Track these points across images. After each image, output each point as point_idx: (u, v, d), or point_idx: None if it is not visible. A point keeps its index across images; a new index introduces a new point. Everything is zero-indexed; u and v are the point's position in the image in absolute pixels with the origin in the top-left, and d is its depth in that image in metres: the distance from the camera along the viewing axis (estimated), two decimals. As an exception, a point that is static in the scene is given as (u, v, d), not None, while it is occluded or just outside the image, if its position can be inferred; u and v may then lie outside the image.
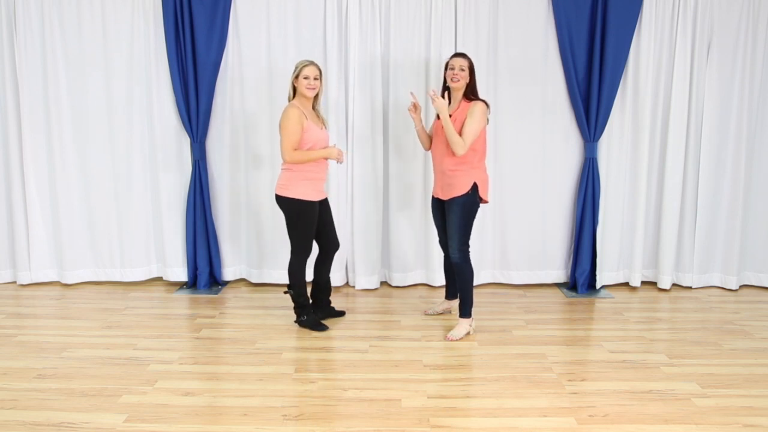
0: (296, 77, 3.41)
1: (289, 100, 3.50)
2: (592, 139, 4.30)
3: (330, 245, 3.71)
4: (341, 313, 3.91)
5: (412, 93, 3.70)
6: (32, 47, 4.26)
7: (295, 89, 3.46)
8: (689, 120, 4.32)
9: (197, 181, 4.34)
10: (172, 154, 4.39)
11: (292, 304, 3.74)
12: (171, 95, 4.31)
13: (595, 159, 4.32)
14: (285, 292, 3.70)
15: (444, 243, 3.76)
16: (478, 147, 3.44)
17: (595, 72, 4.18)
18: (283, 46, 4.24)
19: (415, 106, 3.61)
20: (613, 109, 4.29)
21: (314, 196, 3.50)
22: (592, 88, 4.21)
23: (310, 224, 3.51)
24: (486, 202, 3.54)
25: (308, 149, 3.43)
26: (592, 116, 4.25)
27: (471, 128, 3.34)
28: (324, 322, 3.73)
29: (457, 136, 3.33)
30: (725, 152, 4.36)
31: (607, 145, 4.37)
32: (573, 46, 4.20)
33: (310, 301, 3.74)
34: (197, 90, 4.23)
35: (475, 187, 3.42)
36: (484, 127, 3.43)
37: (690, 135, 4.34)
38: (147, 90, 4.32)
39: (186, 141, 4.40)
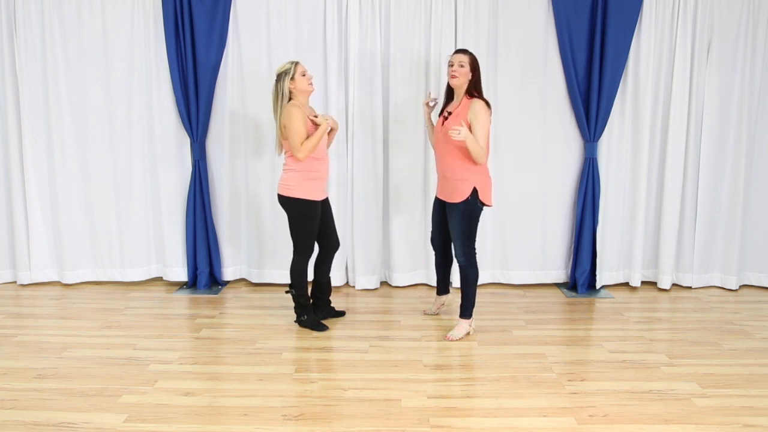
0: (291, 78, 3.38)
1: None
2: (592, 139, 4.30)
3: (330, 245, 3.71)
4: (341, 313, 3.91)
5: (430, 92, 3.79)
6: (32, 47, 4.26)
7: (288, 93, 3.40)
8: (689, 120, 4.32)
9: (197, 181, 4.34)
10: (172, 154, 4.39)
11: (293, 304, 3.74)
12: (171, 95, 4.31)
13: (595, 159, 4.32)
14: (287, 292, 3.70)
15: (435, 241, 3.76)
16: None
17: (595, 72, 4.18)
18: (283, 46, 4.24)
19: (428, 105, 3.67)
20: (613, 109, 4.29)
21: (317, 196, 3.50)
22: (592, 88, 4.21)
23: (313, 224, 3.51)
24: (490, 205, 3.47)
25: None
26: (592, 116, 4.25)
27: (482, 132, 3.27)
28: (324, 322, 3.74)
29: (480, 147, 3.24)
30: (725, 152, 4.36)
31: (607, 145, 4.37)
32: (573, 46, 4.20)
33: (310, 300, 3.75)
34: (197, 90, 4.24)
35: (475, 192, 3.37)
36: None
37: (690, 135, 4.34)
38: (147, 90, 4.32)
39: (186, 141, 4.40)
